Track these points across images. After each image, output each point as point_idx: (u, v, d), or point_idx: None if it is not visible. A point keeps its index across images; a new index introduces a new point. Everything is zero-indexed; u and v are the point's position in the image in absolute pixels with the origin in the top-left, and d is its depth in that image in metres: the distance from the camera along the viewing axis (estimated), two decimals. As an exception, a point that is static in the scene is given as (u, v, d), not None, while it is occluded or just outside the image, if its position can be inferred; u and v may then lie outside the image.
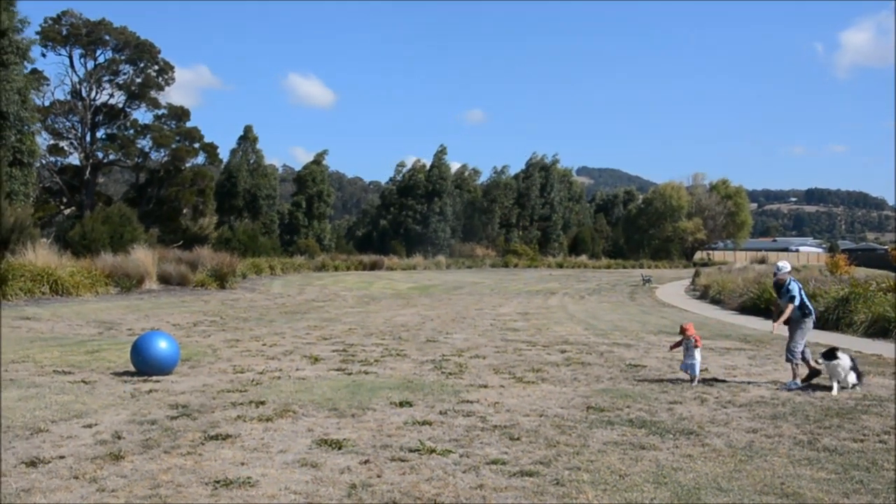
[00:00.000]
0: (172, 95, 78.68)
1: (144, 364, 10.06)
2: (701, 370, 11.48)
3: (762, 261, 71.31)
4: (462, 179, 78.02)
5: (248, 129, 62.80)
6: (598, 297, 31.75)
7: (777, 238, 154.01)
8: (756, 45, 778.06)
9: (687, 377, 10.39)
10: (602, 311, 24.32)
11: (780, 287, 10.66)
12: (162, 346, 10.15)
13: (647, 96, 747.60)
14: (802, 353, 10.28)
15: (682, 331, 10.76)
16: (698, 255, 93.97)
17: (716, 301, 28.21)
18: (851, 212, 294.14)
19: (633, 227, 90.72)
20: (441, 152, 74.10)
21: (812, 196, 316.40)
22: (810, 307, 10.46)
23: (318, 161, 67.40)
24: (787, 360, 10.32)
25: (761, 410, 8.53)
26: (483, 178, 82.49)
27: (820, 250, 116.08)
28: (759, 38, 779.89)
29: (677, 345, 10.97)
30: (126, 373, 10.20)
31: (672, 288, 39.39)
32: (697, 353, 10.37)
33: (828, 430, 7.56)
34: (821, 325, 18.58)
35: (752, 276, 30.03)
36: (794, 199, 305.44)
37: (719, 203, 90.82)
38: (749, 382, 10.47)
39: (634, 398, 9.07)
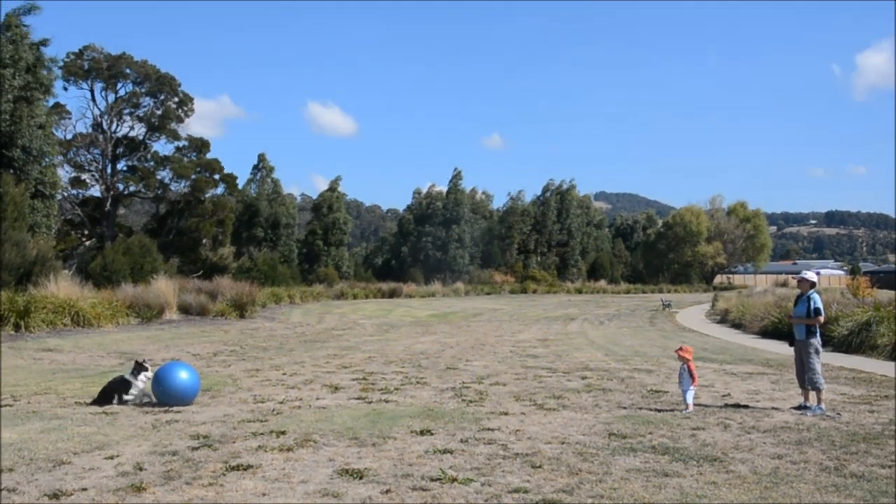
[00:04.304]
0: (195, 126, 79.65)
1: (165, 395, 10.09)
2: (724, 395, 11.35)
3: (783, 284, 70.68)
4: (475, 203, 78.04)
5: (261, 158, 63.11)
6: (618, 322, 31.59)
7: (797, 261, 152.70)
8: (773, 68, 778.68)
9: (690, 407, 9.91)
10: (622, 336, 24.18)
11: (801, 297, 10.48)
12: (182, 376, 10.19)
13: (665, 120, 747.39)
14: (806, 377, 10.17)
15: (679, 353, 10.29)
16: (718, 279, 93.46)
17: (737, 325, 27.99)
18: (873, 234, 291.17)
19: (652, 251, 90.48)
20: (457, 177, 74.05)
21: (832, 218, 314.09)
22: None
23: (332, 188, 67.32)
24: (814, 388, 10.10)
25: (786, 436, 8.42)
26: (498, 204, 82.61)
27: (841, 273, 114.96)
28: (775, 60, 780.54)
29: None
30: (147, 404, 10.24)
31: (692, 312, 39.13)
32: (687, 379, 9.92)
33: (855, 456, 7.46)
34: (844, 348, 18.43)
35: (772, 300, 29.79)
36: (813, 222, 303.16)
37: (738, 226, 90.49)
38: (773, 408, 10.35)
39: (657, 424, 8.99)
